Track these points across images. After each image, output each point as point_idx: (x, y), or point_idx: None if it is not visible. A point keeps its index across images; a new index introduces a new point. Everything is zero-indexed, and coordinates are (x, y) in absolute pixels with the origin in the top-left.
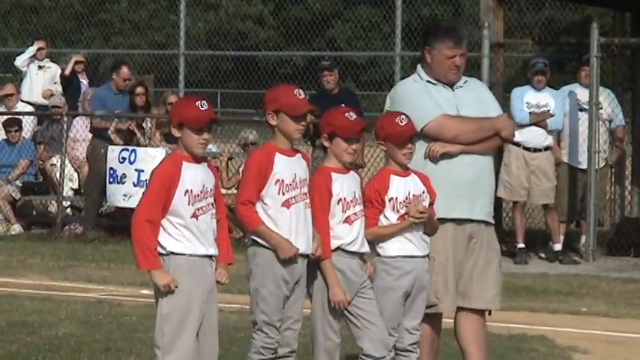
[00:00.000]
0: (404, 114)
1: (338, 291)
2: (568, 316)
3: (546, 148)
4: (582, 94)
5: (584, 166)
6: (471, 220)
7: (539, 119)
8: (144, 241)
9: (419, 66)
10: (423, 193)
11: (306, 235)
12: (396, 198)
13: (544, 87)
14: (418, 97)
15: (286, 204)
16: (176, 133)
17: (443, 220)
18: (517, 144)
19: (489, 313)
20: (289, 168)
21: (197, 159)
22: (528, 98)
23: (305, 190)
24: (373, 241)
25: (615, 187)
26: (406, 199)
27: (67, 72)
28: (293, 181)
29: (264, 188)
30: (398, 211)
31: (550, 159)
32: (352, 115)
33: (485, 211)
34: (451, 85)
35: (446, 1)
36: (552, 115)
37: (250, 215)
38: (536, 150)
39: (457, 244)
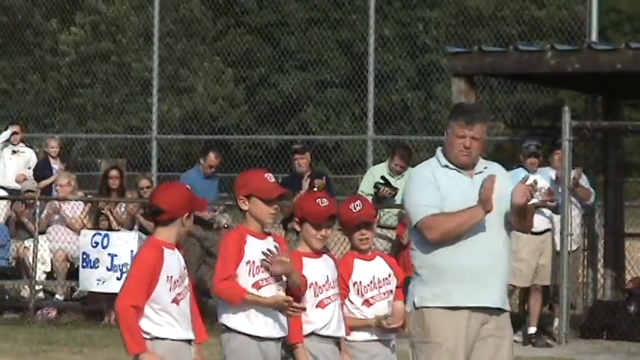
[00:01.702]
0: (360, 199)
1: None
2: None
3: (547, 230)
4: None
5: (557, 248)
6: (488, 307)
7: (543, 203)
8: (132, 326)
9: (438, 149)
10: (390, 276)
11: (279, 317)
12: (360, 282)
13: (537, 169)
14: (420, 188)
15: (256, 286)
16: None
17: (458, 308)
18: None
19: None
20: (260, 250)
21: (172, 245)
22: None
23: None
24: None
25: (588, 270)
26: (370, 282)
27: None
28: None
29: (238, 267)
30: (362, 295)
31: (550, 239)
32: (324, 201)
33: (502, 298)
34: (467, 168)
35: (417, 85)
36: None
37: (233, 287)
38: (541, 233)
39: (469, 331)
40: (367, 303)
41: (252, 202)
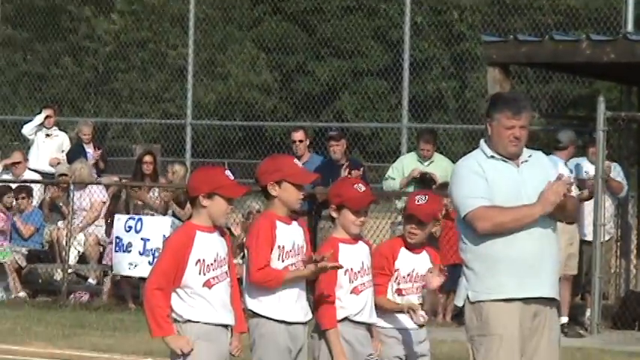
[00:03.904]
0: (430, 195)
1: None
2: None
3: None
4: (589, 168)
5: (589, 238)
6: (539, 298)
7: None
8: (155, 309)
9: (482, 141)
10: (430, 272)
11: (304, 302)
12: (400, 270)
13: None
14: (468, 180)
15: (285, 270)
16: (204, 202)
17: (513, 299)
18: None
19: None
20: (288, 235)
21: (210, 228)
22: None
23: (302, 257)
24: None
25: (620, 261)
26: (408, 275)
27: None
28: (292, 249)
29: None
30: (399, 283)
31: (577, 229)
32: (361, 187)
33: (555, 289)
34: (514, 157)
35: (453, 73)
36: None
37: (271, 272)
38: (571, 222)
39: (524, 322)
40: (399, 292)
41: (284, 188)
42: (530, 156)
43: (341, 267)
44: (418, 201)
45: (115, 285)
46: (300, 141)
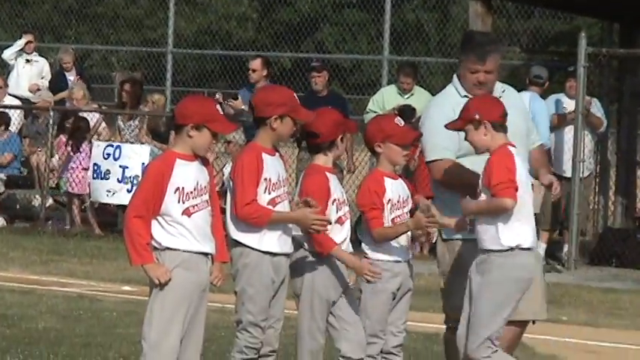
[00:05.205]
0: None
1: (359, 264)
2: (548, 325)
3: None
4: (568, 104)
5: (568, 174)
6: None
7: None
8: (135, 237)
9: (455, 76)
10: (408, 197)
11: (290, 233)
12: (392, 200)
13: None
14: (439, 127)
15: (272, 203)
16: (191, 132)
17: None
18: None
19: (533, 323)
20: (274, 167)
21: (191, 156)
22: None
23: (286, 189)
24: (372, 243)
25: (599, 197)
26: (397, 202)
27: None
28: (278, 180)
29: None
30: (391, 213)
31: None
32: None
33: None
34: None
35: (434, 6)
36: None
37: (259, 209)
38: None
39: None
40: (392, 222)
41: (285, 122)
42: (503, 91)
43: (328, 221)
44: (401, 122)
45: (83, 211)
46: (254, 70)
